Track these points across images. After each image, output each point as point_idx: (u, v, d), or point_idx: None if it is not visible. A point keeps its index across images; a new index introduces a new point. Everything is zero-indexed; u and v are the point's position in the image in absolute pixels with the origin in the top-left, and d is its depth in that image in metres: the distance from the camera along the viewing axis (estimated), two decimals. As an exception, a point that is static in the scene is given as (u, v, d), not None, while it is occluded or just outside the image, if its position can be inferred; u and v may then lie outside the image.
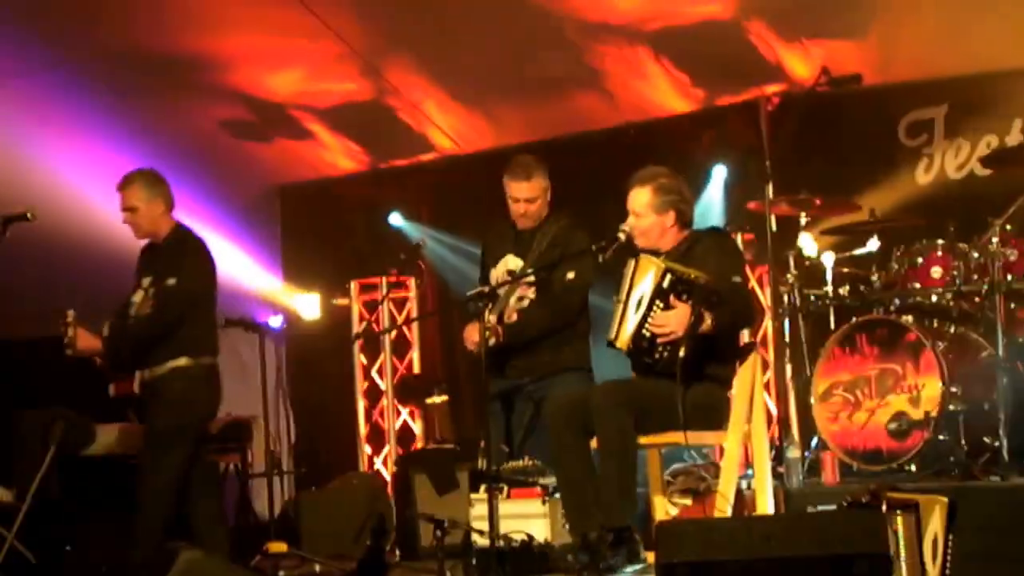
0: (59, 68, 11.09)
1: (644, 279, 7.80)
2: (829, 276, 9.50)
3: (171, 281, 8.93)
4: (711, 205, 11.06)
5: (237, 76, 12.53)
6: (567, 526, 8.02)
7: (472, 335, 8.47)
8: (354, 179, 13.29)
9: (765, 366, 9.58)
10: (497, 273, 8.78)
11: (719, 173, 10.98)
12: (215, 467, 10.34)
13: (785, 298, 9.68)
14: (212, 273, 9.19)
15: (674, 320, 7.44)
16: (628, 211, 8.03)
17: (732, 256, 7.97)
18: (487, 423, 8.49)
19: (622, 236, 8.02)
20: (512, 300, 8.61)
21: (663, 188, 7.94)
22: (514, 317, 8.58)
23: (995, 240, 8.81)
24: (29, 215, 9.27)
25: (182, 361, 8.91)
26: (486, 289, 8.52)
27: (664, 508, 7.97)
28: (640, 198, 7.96)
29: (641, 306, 7.69)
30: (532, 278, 8.53)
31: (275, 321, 11.53)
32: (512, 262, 8.71)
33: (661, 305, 7.53)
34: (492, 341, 8.40)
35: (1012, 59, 10.48)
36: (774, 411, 9.66)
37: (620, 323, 7.86)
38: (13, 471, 9.16)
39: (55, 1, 10.74)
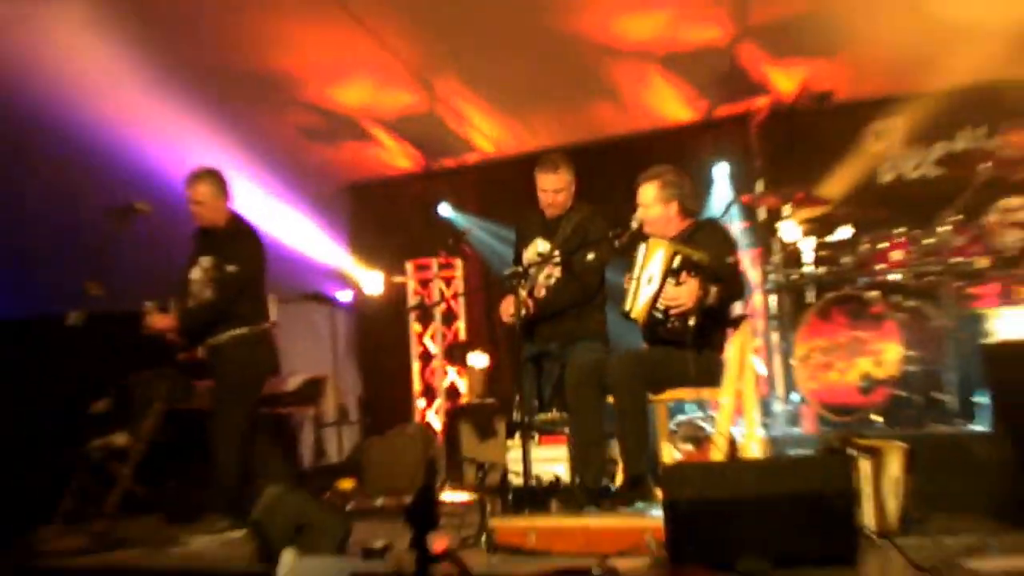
0: (166, 81, 11.12)
1: (654, 259, 7.84)
2: (808, 258, 9.53)
3: (231, 268, 9.08)
4: (720, 196, 10.96)
5: (311, 91, 12.56)
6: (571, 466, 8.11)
7: (508, 308, 8.51)
8: (410, 177, 13.31)
9: (754, 333, 9.62)
10: (529, 255, 8.78)
11: (722, 170, 10.90)
12: (285, 418, 10.43)
13: (771, 276, 9.74)
14: (263, 255, 9.29)
15: (685, 294, 7.47)
16: (638, 203, 8.09)
17: (726, 241, 7.99)
18: (521, 381, 8.56)
19: (635, 224, 8.07)
20: (541, 278, 8.62)
21: (667, 183, 8.01)
22: (543, 292, 8.59)
23: (945, 229, 8.90)
24: (144, 207, 9.37)
25: (243, 330, 9.02)
26: (520, 269, 8.57)
27: (670, 453, 7.99)
28: (648, 192, 8.02)
29: (652, 282, 7.73)
30: (558, 259, 8.53)
31: (344, 296, 11.54)
32: (541, 245, 8.72)
33: (673, 282, 7.58)
34: (524, 312, 8.46)
35: (959, 78, 10.50)
36: (763, 371, 9.68)
37: (634, 297, 7.91)
38: (129, 421, 9.20)
39: (165, 25, 10.78)
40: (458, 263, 12.18)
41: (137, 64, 11.07)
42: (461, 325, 12.51)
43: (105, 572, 7.78)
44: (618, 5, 11.12)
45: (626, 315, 8.00)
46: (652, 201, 8.00)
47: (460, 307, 12.47)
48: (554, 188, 8.75)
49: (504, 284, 8.69)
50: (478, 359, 10.88)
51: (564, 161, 8.84)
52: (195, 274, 9.27)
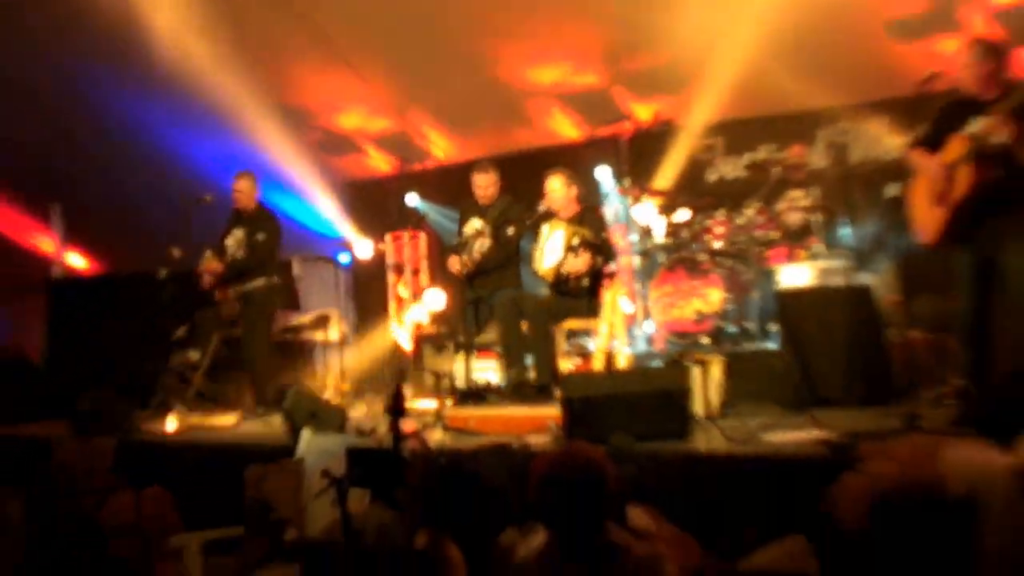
0: (231, 108, 11.11)
1: (555, 235, 7.92)
2: (658, 232, 9.53)
3: (260, 236, 9.20)
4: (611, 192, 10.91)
5: (322, 119, 12.56)
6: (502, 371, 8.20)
7: (453, 264, 8.70)
8: (389, 177, 13.16)
9: (621, 284, 9.63)
10: (468, 229, 8.82)
11: (603, 171, 10.86)
12: (305, 341, 10.45)
13: (635, 244, 9.75)
14: (280, 231, 9.39)
15: (581, 264, 7.59)
16: (546, 191, 8.13)
17: (603, 221, 8.07)
18: (464, 315, 8.67)
19: (542, 208, 8.14)
20: (476, 245, 8.64)
21: (569, 176, 8.09)
22: (477, 256, 8.63)
23: (750, 212, 8.97)
24: (210, 199, 9.35)
25: (262, 281, 9.05)
26: (462, 239, 8.75)
27: (566, 365, 8.00)
28: (556, 181, 8.10)
29: (555, 252, 7.83)
30: (488, 233, 8.59)
31: (345, 257, 11.47)
32: (477, 223, 8.77)
33: (572, 255, 7.66)
34: (466, 270, 8.52)
35: (758, 111, 10.57)
36: (629, 309, 9.69)
37: (541, 261, 8.00)
38: (199, 344, 9.22)
39: (235, 70, 10.76)
40: (421, 235, 12.09)
41: (213, 99, 11.05)
42: (424, 277, 12.46)
43: (183, 446, 7.78)
44: (531, 61, 11.11)
45: (535, 272, 8.10)
46: (560, 186, 8.10)
47: (422, 265, 12.40)
48: (485, 184, 8.85)
49: (453, 249, 8.81)
50: (436, 299, 10.80)
51: (492, 166, 8.96)
52: (230, 240, 9.32)
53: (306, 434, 6.58)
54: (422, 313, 10.88)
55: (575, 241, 7.74)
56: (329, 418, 7.00)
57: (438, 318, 10.56)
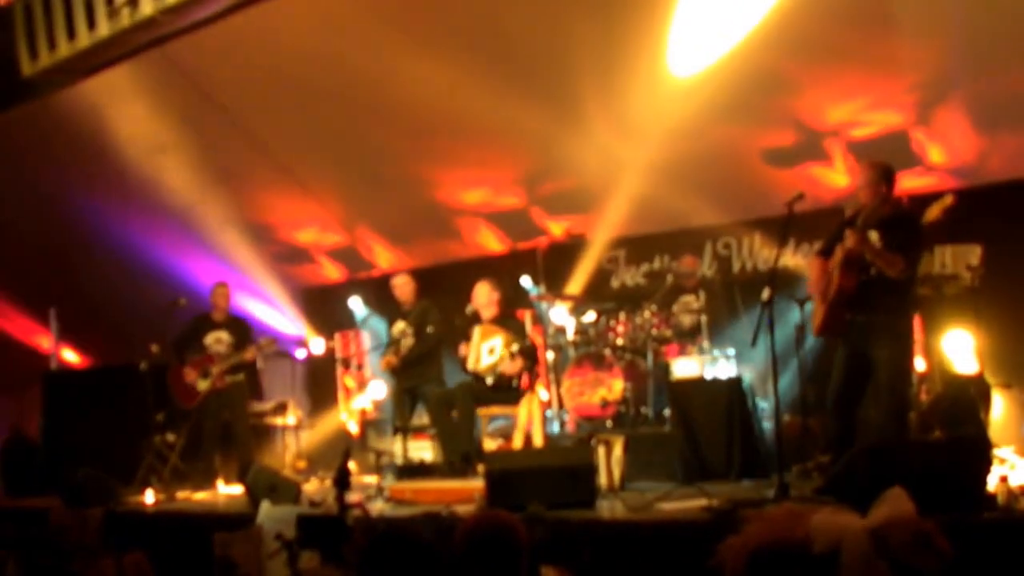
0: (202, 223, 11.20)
1: (493, 340, 8.01)
2: (570, 331, 9.55)
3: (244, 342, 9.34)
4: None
5: (281, 233, 12.59)
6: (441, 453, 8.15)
7: (382, 362, 8.99)
8: (338, 284, 13.14)
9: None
10: (394, 331, 9.03)
11: (525, 280, 10.93)
12: (266, 425, 10.39)
13: (550, 342, 9.77)
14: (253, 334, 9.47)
15: (516, 367, 7.67)
16: (473, 297, 8.21)
17: (521, 323, 8.19)
18: (398, 403, 8.84)
19: (468, 311, 8.21)
20: (403, 342, 8.72)
21: (494, 284, 8.19)
22: (403, 352, 8.72)
23: (647, 314, 9.05)
24: (183, 302, 9.34)
25: (241, 375, 9.06)
26: (391, 340, 9.06)
27: (489, 444, 8.03)
28: (481, 290, 8.18)
29: (493, 354, 7.94)
30: (411, 332, 8.64)
31: (301, 353, 11.44)
32: (401, 325, 8.95)
33: (508, 360, 7.75)
34: (391, 367, 8.81)
35: (655, 227, 10.74)
36: (545, 397, 9.69)
37: (476, 360, 8.10)
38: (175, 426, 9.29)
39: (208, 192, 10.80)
40: (364, 334, 12.05)
41: (188, 217, 11.08)
42: (368, 370, 12.39)
43: (160, 516, 7.68)
44: (461, 185, 11.27)
45: (468, 370, 8.13)
46: (485, 292, 8.19)
47: (365, 360, 12.33)
48: (402, 291, 9.15)
49: (384, 349, 9.04)
50: (378, 390, 10.77)
51: (407, 276, 9.36)
52: (209, 340, 9.26)
53: (265, 505, 6.55)
54: (366, 401, 10.86)
55: (514, 348, 7.84)
56: (285, 491, 6.98)
57: (379, 405, 10.56)
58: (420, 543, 3.79)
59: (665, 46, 8.66)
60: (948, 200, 6.31)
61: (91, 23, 7.29)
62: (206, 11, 7.10)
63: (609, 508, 6.05)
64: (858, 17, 8.00)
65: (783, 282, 7.29)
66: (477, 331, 8.18)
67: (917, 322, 8.43)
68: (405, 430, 8.52)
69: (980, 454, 4.89)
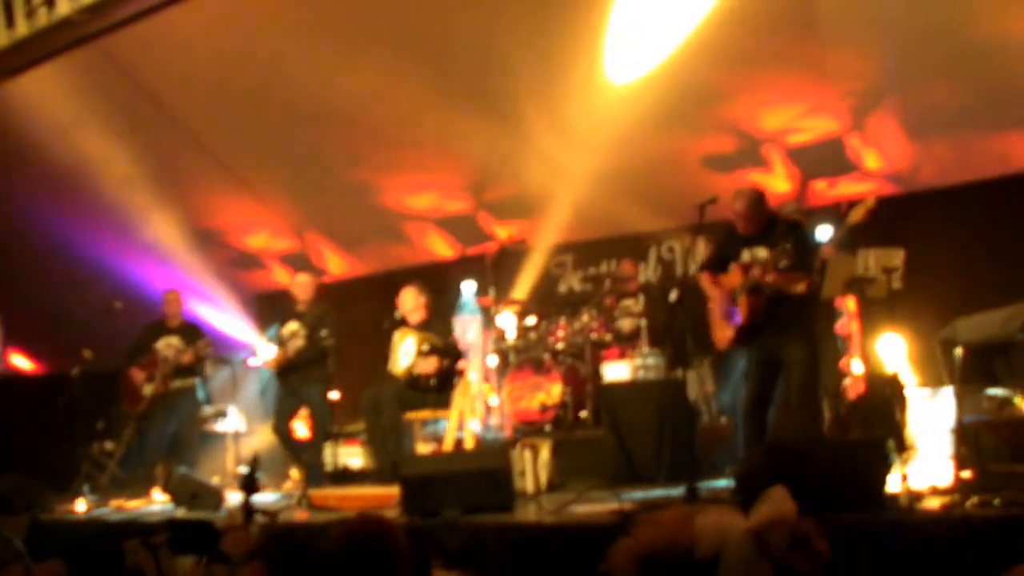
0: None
1: (407, 342, 7.95)
2: (511, 335, 9.54)
3: (200, 345, 9.15)
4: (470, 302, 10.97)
5: (231, 238, 12.51)
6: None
7: (268, 362, 8.72)
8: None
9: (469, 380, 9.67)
10: (285, 330, 8.70)
11: (468, 286, 10.93)
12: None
13: (492, 346, 9.75)
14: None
15: (430, 366, 7.61)
16: (399, 302, 8.17)
17: (448, 327, 8.15)
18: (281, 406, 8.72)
19: (397, 315, 8.17)
20: (292, 343, 8.52)
21: (418, 289, 8.13)
22: (291, 355, 8.52)
23: (586, 318, 9.04)
24: (120, 305, 9.25)
25: (192, 380, 8.97)
26: (280, 338, 8.69)
27: (422, 448, 7.97)
28: (407, 295, 8.14)
29: (409, 356, 7.84)
30: (303, 335, 8.50)
31: (255, 360, 11.33)
32: (294, 325, 8.65)
33: (422, 359, 7.71)
34: (278, 365, 8.61)
35: (602, 232, 10.73)
36: (495, 402, 9.61)
37: (395, 362, 8.02)
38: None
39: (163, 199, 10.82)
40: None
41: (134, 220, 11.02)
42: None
43: (86, 524, 7.60)
44: (408, 191, 11.23)
45: (392, 373, 8.08)
46: (411, 297, 8.13)
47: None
48: (303, 290, 8.85)
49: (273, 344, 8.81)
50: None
51: (311, 276, 9.14)
52: (160, 344, 9.16)
53: (179, 512, 6.48)
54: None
55: (424, 347, 7.80)
56: (207, 498, 6.91)
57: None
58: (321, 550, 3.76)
59: (602, 53, 8.68)
60: (870, 203, 6.39)
61: (9, 22, 7.24)
62: (125, 11, 7.03)
63: (526, 512, 5.99)
64: (787, 26, 8.04)
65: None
66: (396, 336, 8.14)
67: (856, 326, 8.54)
68: (336, 435, 8.45)
69: (880, 455, 4.88)
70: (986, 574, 3.34)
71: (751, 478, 4.86)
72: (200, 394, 9.35)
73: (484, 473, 5.95)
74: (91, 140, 9.84)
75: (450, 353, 7.86)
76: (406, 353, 7.94)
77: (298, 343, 8.46)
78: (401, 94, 9.32)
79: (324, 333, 8.34)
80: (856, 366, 8.41)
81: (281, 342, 8.61)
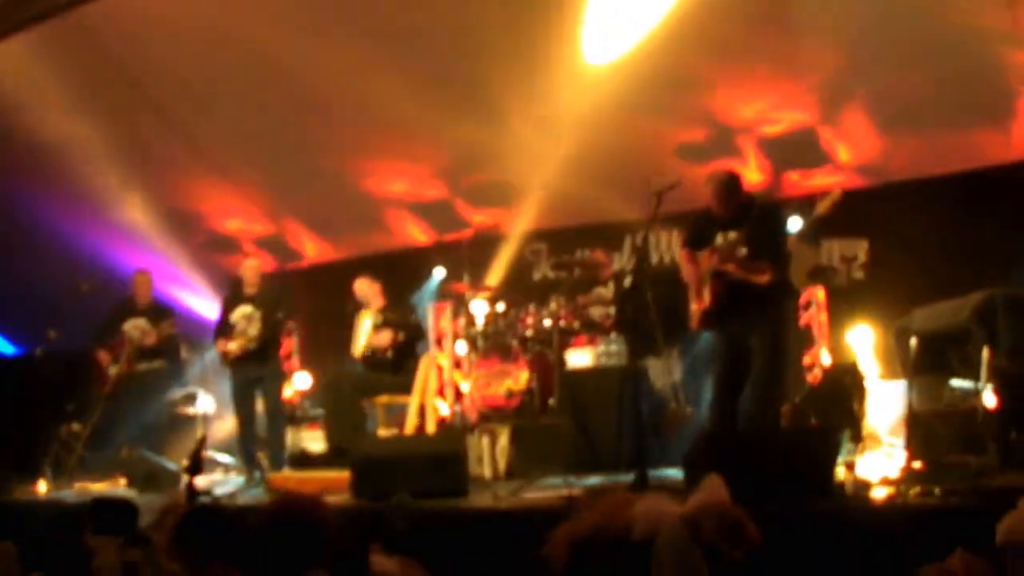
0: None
1: (365, 320, 7.92)
2: (480, 320, 9.45)
3: (165, 326, 9.07)
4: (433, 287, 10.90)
5: (211, 221, 12.41)
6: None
7: (225, 346, 8.55)
8: (269, 274, 12.82)
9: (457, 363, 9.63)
10: (237, 314, 8.61)
11: (439, 272, 10.86)
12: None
13: (462, 331, 9.67)
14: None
15: (384, 339, 7.56)
16: (356, 288, 8.14)
17: (408, 308, 8.13)
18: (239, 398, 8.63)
19: (353, 307, 8.16)
20: (249, 329, 8.43)
21: (370, 278, 8.16)
22: (251, 343, 8.42)
23: (554, 305, 8.98)
24: (87, 286, 9.18)
25: (160, 362, 8.90)
26: (231, 324, 8.59)
27: (385, 432, 7.94)
28: (360, 285, 8.26)
29: (365, 334, 7.79)
30: (259, 316, 8.40)
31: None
32: (247, 309, 8.56)
33: (375, 333, 7.68)
34: (241, 351, 8.44)
35: (578, 220, 10.70)
36: (467, 388, 9.54)
37: (355, 342, 7.99)
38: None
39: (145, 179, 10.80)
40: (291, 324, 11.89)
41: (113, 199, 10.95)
42: (295, 360, 12.18)
43: (43, 506, 7.56)
44: (384, 177, 11.14)
45: (351, 356, 8.06)
46: (366, 286, 8.14)
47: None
48: (252, 276, 8.77)
49: (221, 333, 8.70)
50: (303, 381, 10.64)
51: (257, 260, 9.34)
52: (129, 326, 9.09)
53: (131, 494, 6.45)
54: (289, 391, 10.76)
55: (378, 320, 7.76)
56: (163, 479, 6.89)
57: (304, 395, 10.46)
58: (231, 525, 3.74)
59: (579, 38, 8.63)
60: (836, 195, 6.40)
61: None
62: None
63: (480, 498, 5.96)
64: (758, 17, 8.00)
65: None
66: (357, 318, 8.13)
67: (824, 316, 8.52)
68: (299, 419, 8.42)
69: (829, 444, 4.87)
70: (923, 562, 3.32)
71: (696, 466, 4.84)
72: (174, 377, 9.27)
73: (437, 458, 5.93)
74: (62, 118, 9.74)
75: (404, 327, 7.80)
76: (363, 332, 7.92)
77: (256, 326, 8.36)
78: (377, 79, 9.24)
79: (280, 314, 8.30)
80: (825, 356, 8.42)
81: (231, 328, 8.45)
